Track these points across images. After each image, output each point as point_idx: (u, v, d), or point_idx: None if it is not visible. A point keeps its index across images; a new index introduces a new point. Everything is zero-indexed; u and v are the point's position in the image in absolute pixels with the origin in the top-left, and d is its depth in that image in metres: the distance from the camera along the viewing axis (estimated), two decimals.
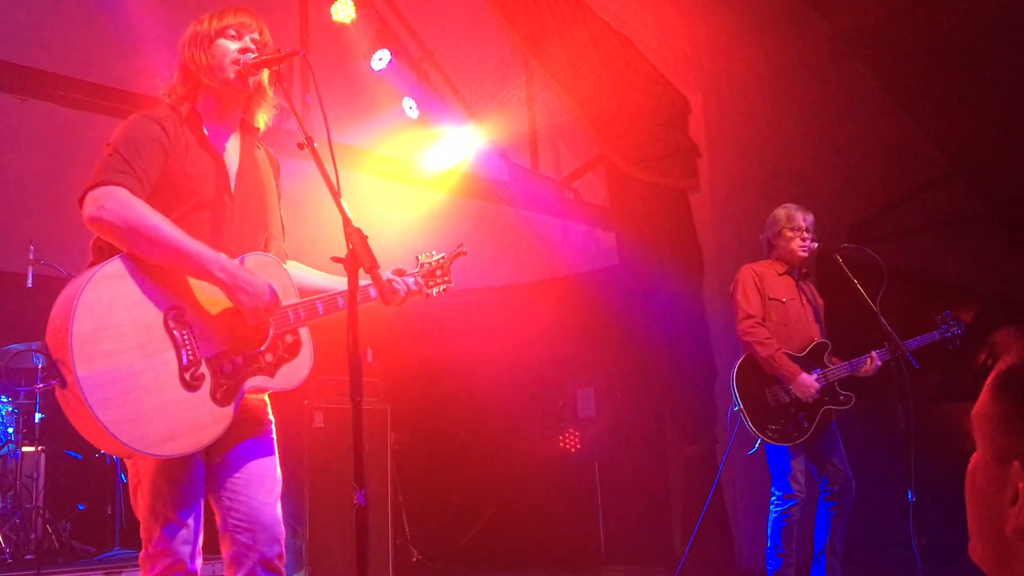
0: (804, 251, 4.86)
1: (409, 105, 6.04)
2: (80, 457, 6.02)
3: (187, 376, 2.34)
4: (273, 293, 2.45)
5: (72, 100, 4.65)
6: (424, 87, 6.05)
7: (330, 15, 5.62)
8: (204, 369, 2.38)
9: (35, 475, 5.90)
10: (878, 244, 5.59)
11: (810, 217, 4.91)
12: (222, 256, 2.40)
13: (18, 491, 5.70)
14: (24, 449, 5.84)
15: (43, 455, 5.97)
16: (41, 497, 5.86)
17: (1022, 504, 1.10)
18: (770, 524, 4.64)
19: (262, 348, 2.50)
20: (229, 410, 2.41)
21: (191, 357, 2.36)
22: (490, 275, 7.66)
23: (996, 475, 1.15)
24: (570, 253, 7.73)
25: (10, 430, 5.78)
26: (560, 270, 7.94)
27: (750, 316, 4.74)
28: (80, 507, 6.34)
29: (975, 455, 1.21)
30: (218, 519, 2.55)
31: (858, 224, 7.80)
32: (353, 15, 5.61)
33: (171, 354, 2.34)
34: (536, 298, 7.95)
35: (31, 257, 5.70)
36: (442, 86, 6.14)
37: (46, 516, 5.79)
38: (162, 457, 2.35)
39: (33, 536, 5.68)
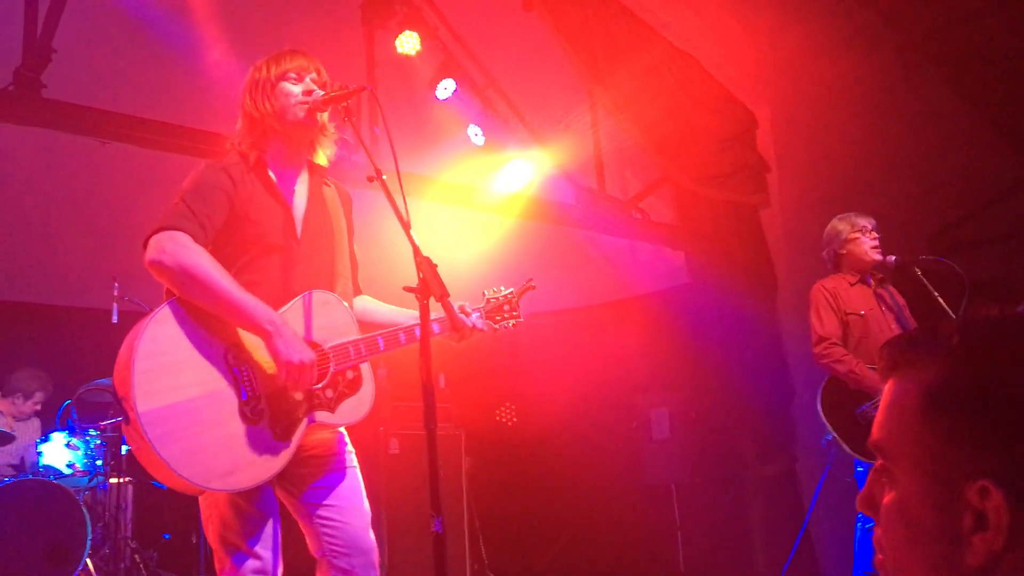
0: (877, 252, 4.75)
1: (475, 132, 6.10)
2: (165, 488, 6.15)
3: (247, 411, 2.39)
4: (314, 359, 2.44)
5: (150, 141, 4.83)
6: (489, 114, 6.11)
7: (395, 48, 5.72)
8: (264, 404, 2.43)
9: (123, 506, 6.07)
10: (958, 255, 5.43)
11: (872, 220, 4.81)
12: (269, 309, 2.43)
13: (107, 522, 5.87)
14: (112, 481, 6.02)
15: (130, 486, 6.14)
16: (129, 527, 6.02)
17: (995, 528, 0.94)
18: (857, 544, 4.50)
19: (321, 384, 2.53)
20: (290, 445, 2.45)
21: (250, 393, 2.41)
22: (559, 298, 7.66)
23: (942, 502, 0.98)
24: (639, 273, 7.68)
25: (99, 462, 5.96)
26: (629, 290, 7.89)
27: (823, 338, 4.63)
28: (166, 536, 6.50)
29: (892, 492, 1.04)
30: (313, 547, 2.60)
31: (936, 234, 7.59)
32: (418, 47, 5.70)
33: (230, 391, 2.40)
34: (606, 319, 7.91)
35: (115, 294, 5.89)
36: (507, 112, 6.18)
37: (134, 546, 5.95)
38: (222, 491, 2.40)
39: (122, 566, 5.83)
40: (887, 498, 1.05)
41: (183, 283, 2.39)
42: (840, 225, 4.84)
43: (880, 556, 1.07)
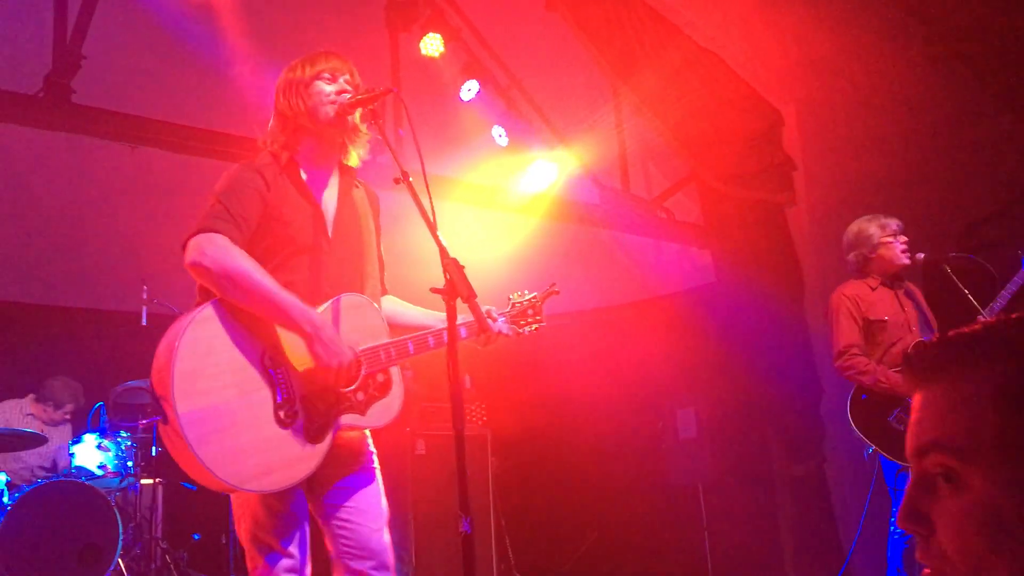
0: (907, 255, 4.68)
1: (498, 133, 6.11)
2: (195, 488, 6.22)
3: (281, 414, 2.42)
4: (353, 361, 2.48)
5: (178, 145, 4.89)
6: (513, 114, 6.11)
7: (419, 50, 5.74)
8: (298, 407, 2.45)
9: (154, 506, 6.13)
10: (988, 251, 5.36)
11: (899, 221, 4.74)
12: (310, 309, 2.45)
13: (138, 522, 5.93)
14: (143, 482, 6.08)
15: (160, 487, 6.20)
16: (160, 528, 6.08)
17: None
18: (890, 547, 4.45)
19: (353, 387, 2.55)
20: (322, 446, 2.47)
21: (285, 395, 2.43)
22: (584, 298, 7.65)
23: None
24: (664, 273, 7.66)
25: (130, 463, 6.02)
26: (655, 290, 7.86)
27: (843, 351, 4.56)
28: (196, 537, 6.56)
29: (959, 499, 0.98)
30: (330, 548, 2.62)
31: (966, 231, 7.50)
32: (441, 48, 5.72)
33: (266, 392, 2.42)
34: (632, 319, 7.89)
35: (145, 297, 5.96)
36: (530, 113, 6.19)
37: (164, 546, 6.00)
38: (258, 492, 2.43)
39: (153, 566, 5.88)
40: (952, 505, 0.99)
41: (224, 285, 2.41)
42: (869, 228, 4.73)
43: (938, 569, 1.00)
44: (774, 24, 6.24)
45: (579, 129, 6.25)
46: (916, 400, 1.05)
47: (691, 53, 6.19)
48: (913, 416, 1.05)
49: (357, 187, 2.85)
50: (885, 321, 4.61)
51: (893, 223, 4.71)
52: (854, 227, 4.81)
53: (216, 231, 2.45)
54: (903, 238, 4.70)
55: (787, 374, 6.53)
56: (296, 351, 2.48)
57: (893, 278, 4.76)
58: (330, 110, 2.65)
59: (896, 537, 4.43)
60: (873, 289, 4.70)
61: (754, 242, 6.65)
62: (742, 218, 6.66)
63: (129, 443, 6.08)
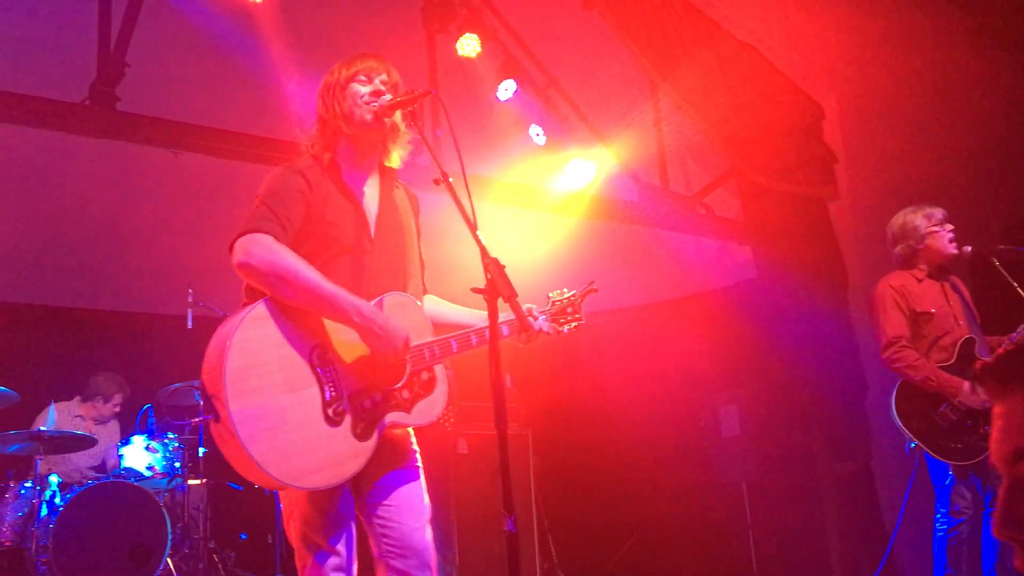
0: (955, 245, 4.61)
1: (536, 132, 6.10)
2: (241, 488, 6.32)
3: (330, 412, 2.44)
4: (405, 341, 2.51)
5: (220, 150, 4.96)
6: (550, 113, 6.11)
7: (455, 51, 5.76)
8: (346, 405, 2.47)
9: (201, 507, 6.22)
10: None
11: (943, 210, 4.67)
12: (359, 301, 2.48)
13: (186, 522, 6.02)
14: (190, 482, 6.18)
15: (207, 487, 6.29)
16: (207, 528, 6.17)
17: None
18: (936, 545, 4.38)
19: (399, 385, 2.57)
20: (369, 444, 2.49)
21: (334, 393, 2.46)
22: (624, 296, 7.62)
23: None
24: (704, 269, 7.60)
25: (177, 464, 6.12)
26: (695, 287, 7.81)
27: (892, 342, 4.48)
28: (243, 536, 6.65)
29: None
30: (373, 547, 2.64)
31: (1015, 224, 7.35)
32: (478, 49, 5.73)
33: (315, 390, 2.44)
34: (672, 316, 7.85)
35: (190, 300, 6.05)
36: (568, 111, 6.18)
37: (212, 546, 6.09)
38: (308, 489, 2.45)
39: (201, 565, 5.97)
40: None
41: (272, 283, 2.44)
42: (915, 219, 4.67)
43: None
44: (816, 18, 6.18)
45: (617, 126, 6.22)
46: (997, 410, 1.05)
47: (730, 48, 6.15)
48: (997, 424, 1.05)
49: (397, 188, 2.88)
50: (932, 313, 4.55)
51: (938, 212, 4.64)
52: (899, 219, 4.75)
53: (261, 231, 2.48)
54: (949, 227, 4.63)
55: (831, 370, 6.45)
56: (345, 348, 2.50)
57: (939, 270, 4.69)
58: (365, 112, 2.67)
59: (941, 535, 4.36)
60: (919, 281, 4.64)
61: (796, 237, 6.58)
62: (783, 213, 6.60)
63: (176, 444, 6.18)
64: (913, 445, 4.38)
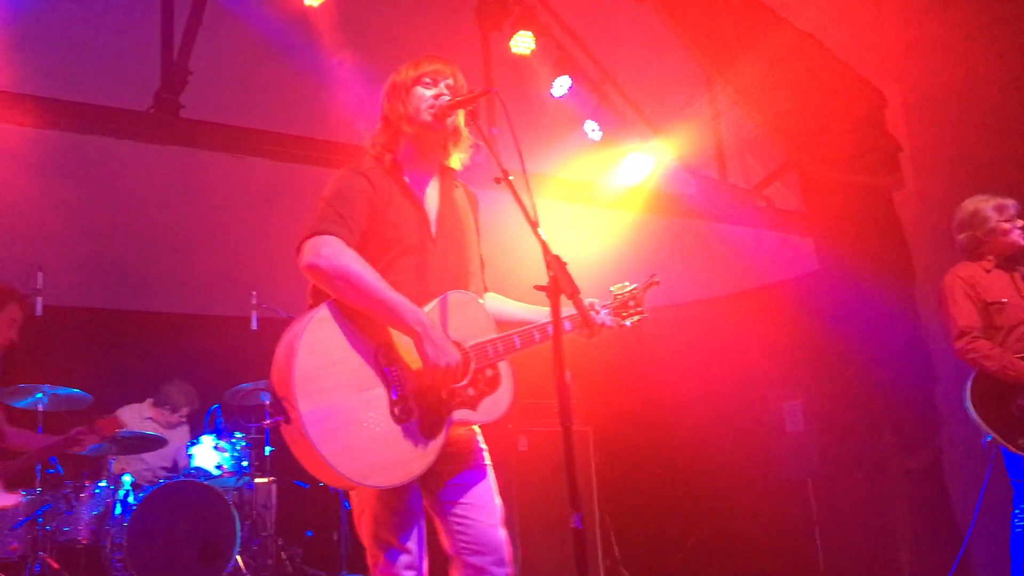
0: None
1: (592, 127, 6.08)
2: (307, 487, 6.42)
3: (396, 411, 2.46)
4: (460, 361, 2.52)
5: (282, 154, 5.04)
6: (605, 108, 6.08)
7: (509, 48, 5.76)
8: (412, 404, 2.49)
9: (268, 504, 6.34)
10: None
11: (1014, 201, 4.55)
12: (420, 312, 2.50)
13: (254, 520, 6.14)
14: (257, 480, 6.29)
15: (274, 485, 6.41)
16: (274, 525, 6.28)
17: None
18: (1014, 543, 4.26)
19: (463, 383, 2.58)
20: (436, 442, 2.51)
21: (400, 392, 2.48)
22: (684, 291, 7.55)
23: None
24: (765, 263, 7.50)
25: (244, 463, 6.24)
26: (756, 280, 7.71)
27: (965, 332, 4.37)
28: (309, 534, 6.76)
29: None
30: (446, 544, 2.66)
31: None
32: (532, 46, 5.73)
33: (381, 390, 2.46)
34: (733, 310, 7.76)
35: (254, 302, 6.17)
36: (623, 105, 6.14)
37: (279, 543, 6.20)
38: (378, 487, 2.47)
39: (269, 562, 6.09)
40: None
41: (338, 286, 2.47)
42: (986, 209, 4.55)
43: None
44: (877, 3, 6.04)
45: (674, 119, 6.16)
46: None
47: (789, 39, 6.04)
48: None
49: (457, 187, 2.90)
50: (1004, 303, 4.44)
51: (1011, 206, 4.53)
52: (969, 206, 4.63)
53: (329, 233, 2.52)
54: (1020, 222, 4.51)
55: (898, 363, 6.31)
56: (408, 348, 2.52)
57: (1007, 260, 4.57)
58: (427, 114, 2.69)
59: (1019, 531, 4.24)
60: (988, 271, 4.53)
61: (859, 227, 6.45)
62: (846, 203, 6.47)
63: (244, 443, 6.30)
64: (989, 439, 4.26)
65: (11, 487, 4.34)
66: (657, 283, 3.14)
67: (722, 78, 5.91)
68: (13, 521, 5.19)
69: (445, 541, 2.66)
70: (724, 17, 5.75)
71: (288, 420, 2.37)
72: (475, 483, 2.67)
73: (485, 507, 2.65)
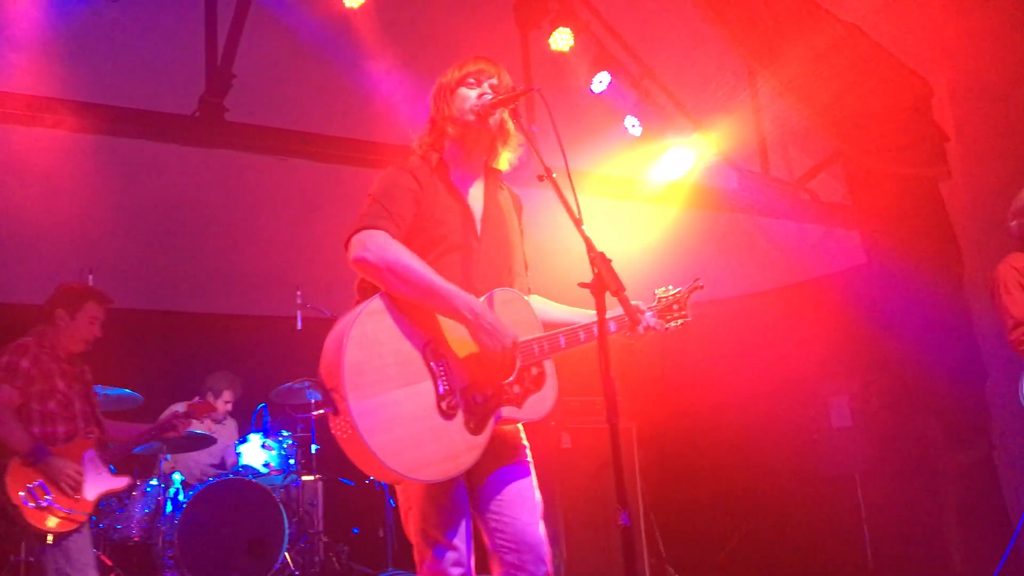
0: None
1: (632, 123, 6.05)
2: (353, 484, 6.48)
3: (443, 405, 2.48)
4: (514, 339, 2.54)
5: (325, 155, 5.09)
6: (645, 103, 6.04)
7: (548, 45, 5.76)
8: (458, 399, 2.51)
9: (315, 502, 6.41)
10: None
11: None
12: (471, 298, 2.52)
13: (301, 517, 6.21)
14: (304, 478, 6.37)
15: (320, 483, 6.48)
16: (321, 522, 6.35)
17: None
18: None
19: (510, 379, 2.60)
20: (482, 438, 2.52)
21: (447, 387, 2.50)
22: (726, 286, 7.49)
23: None
24: (810, 256, 7.41)
25: (291, 461, 6.32)
26: (800, 274, 7.62)
27: (1020, 323, 4.28)
28: (355, 531, 6.82)
29: None
30: (486, 541, 2.67)
31: None
32: (571, 42, 5.72)
33: (429, 384, 2.48)
34: (777, 305, 7.67)
35: (298, 302, 6.24)
36: (664, 100, 6.10)
37: (326, 540, 6.26)
38: (424, 481, 2.49)
39: (316, 559, 6.16)
40: None
41: (387, 278, 2.50)
42: None
43: None
44: None
45: (715, 113, 6.11)
46: None
47: (834, 31, 5.95)
48: None
49: (502, 189, 2.92)
50: None
51: None
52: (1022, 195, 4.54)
53: (376, 228, 2.55)
54: None
55: (947, 357, 6.20)
56: (457, 343, 2.54)
57: None
58: (470, 114, 2.72)
59: None
60: None
61: (907, 219, 6.34)
62: (893, 195, 6.37)
63: (290, 442, 6.38)
64: None
65: (147, 474, 4.54)
66: (701, 287, 3.13)
67: (766, 70, 5.84)
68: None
69: (484, 538, 2.68)
70: (764, 9, 5.68)
71: (336, 412, 2.39)
72: (516, 480, 2.68)
73: (524, 505, 2.66)
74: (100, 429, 4.63)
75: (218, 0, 4.75)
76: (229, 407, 6.80)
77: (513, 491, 2.67)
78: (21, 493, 4.17)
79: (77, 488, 4.32)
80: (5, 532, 4.31)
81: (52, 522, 4.21)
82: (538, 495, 2.72)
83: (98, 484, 4.44)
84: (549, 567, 2.63)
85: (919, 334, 6.26)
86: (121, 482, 4.62)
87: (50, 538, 4.19)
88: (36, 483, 4.22)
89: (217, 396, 6.73)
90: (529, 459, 2.76)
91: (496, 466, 2.67)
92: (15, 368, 4.34)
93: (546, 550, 2.64)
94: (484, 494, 2.66)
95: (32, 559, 4.25)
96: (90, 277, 5.53)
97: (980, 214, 6.26)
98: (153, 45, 5.16)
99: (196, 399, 5.56)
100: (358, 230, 2.56)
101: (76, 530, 4.28)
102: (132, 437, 5.00)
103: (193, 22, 4.78)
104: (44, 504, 4.19)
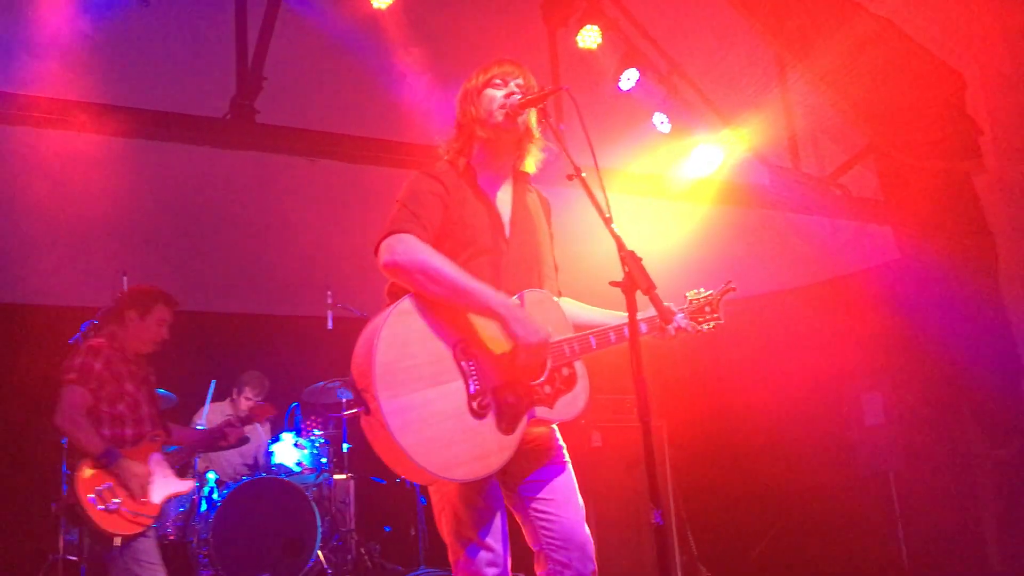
0: None
1: (660, 120, 6.03)
2: (384, 482, 6.50)
3: (475, 405, 2.48)
4: (547, 334, 2.54)
5: (355, 156, 5.12)
6: (674, 100, 6.02)
7: (575, 43, 5.75)
8: (490, 399, 2.51)
9: (347, 500, 6.44)
10: None
11: None
12: (502, 295, 2.53)
13: (333, 515, 6.25)
14: (336, 477, 6.40)
15: (352, 482, 6.51)
16: (353, 521, 6.38)
17: None
18: None
19: (541, 380, 2.60)
20: (514, 438, 2.53)
21: (478, 387, 2.50)
22: (757, 282, 7.43)
23: None
24: (842, 252, 7.33)
25: (323, 460, 6.36)
26: (832, 270, 7.54)
27: None
28: (387, 529, 6.85)
29: None
30: (530, 540, 2.68)
31: None
32: (599, 40, 5.71)
33: (459, 384, 2.49)
34: (808, 302, 7.60)
35: (329, 302, 6.27)
36: (692, 97, 6.07)
37: (358, 538, 6.30)
38: (455, 481, 2.49)
39: (349, 557, 6.19)
40: None
41: (418, 280, 2.52)
42: None
43: None
44: None
45: (744, 109, 6.07)
46: None
47: (866, 24, 5.89)
48: None
49: (530, 191, 2.93)
50: None
51: None
52: None
53: (405, 231, 2.56)
54: None
55: (982, 352, 6.13)
56: (488, 343, 2.55)
57: None
58: (498, 115, 2.72)
59: None
60: None
61: (940, 214, 6.27)
62: (926, 189, 6.29)
63: (322, 441, 6.42)
64: None
65: (181, 475, 4.56)
66: (734, 290, 3.11)
67: (800, 65, 5.80)
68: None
69: (529, 537, 2.68)
70: (797, 3, 5.64)
71: (368, 411, 2.40)
72: (558, 480, 2.69)
73: (568, 503, 2.67)
74: (165, 432, 4.64)
75: (248, 3, 4.80)
76: (252, 404, 6.86)
77: (558, 490, 2.68)
78: (91, 496, 4.14)
79: (145, 491, 4.30)
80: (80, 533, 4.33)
81: (119, 525, 4.18)
82: (580, 496, 2.73)
83: (165, 487, 4.42)
84: (595, 565, 2.65)
85: (954, 330, 6.19)
86: (187, 485, 4.59)
87: (118, 540, 4.17)
88: (105, 485, 4.19)
89: (240, 392, 6.79)
90: (567, 459, 2.77)
91: (535, 466, 2.69)
92: (89, 370, 4.33)
93: (592, 549, 2.66)
94: (526, 493, 2.67)
95: (78, 559, 4.22)
96: (124, 279, 5.59)
97: (1014, 207, 6.17)
98: (184, 48, 5.22)
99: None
100: (387, 235, 2.57)
101: (143, 533, 4.26)
102: (192, 441, 5.03)
103: (223, 25, 4.83)
104: (112, 507, 4.16)
